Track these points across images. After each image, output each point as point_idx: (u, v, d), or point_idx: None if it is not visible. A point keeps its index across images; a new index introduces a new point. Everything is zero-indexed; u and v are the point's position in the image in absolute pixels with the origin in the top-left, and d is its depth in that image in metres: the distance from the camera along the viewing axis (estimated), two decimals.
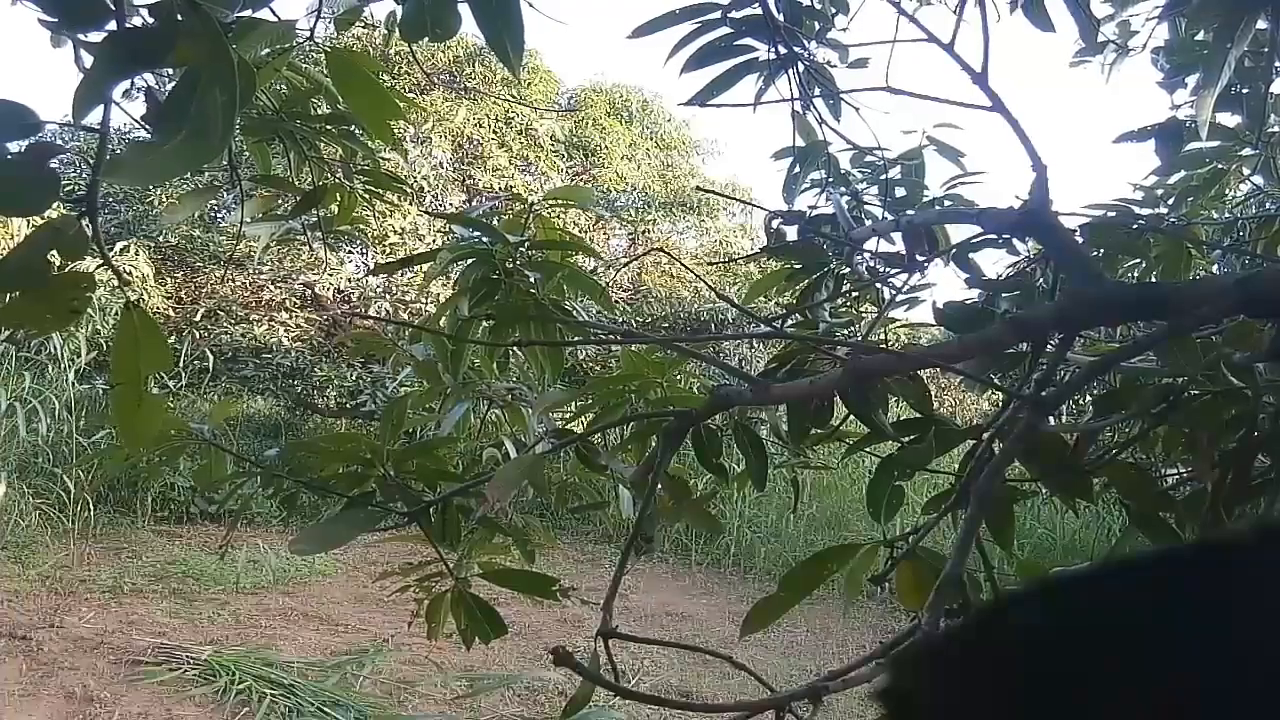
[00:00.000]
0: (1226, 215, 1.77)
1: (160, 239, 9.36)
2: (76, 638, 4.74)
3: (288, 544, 3.02)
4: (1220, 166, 1.67)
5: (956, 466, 1.20)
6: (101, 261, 0.78)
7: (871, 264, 1.62)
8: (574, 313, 1.47)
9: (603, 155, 11.95)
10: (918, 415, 1.18)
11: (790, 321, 1.54)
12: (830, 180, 1.70)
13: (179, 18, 0.69)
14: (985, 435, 1.11)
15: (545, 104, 11.46)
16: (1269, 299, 0.79)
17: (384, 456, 1.22)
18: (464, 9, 1.05)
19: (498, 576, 1.32)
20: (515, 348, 1.53)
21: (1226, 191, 1.75)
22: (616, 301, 9.36)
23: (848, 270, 1.56)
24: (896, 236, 1.53)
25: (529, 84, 11.56)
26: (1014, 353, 1.12)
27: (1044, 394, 0.98)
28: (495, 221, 1.42)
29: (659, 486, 1.23)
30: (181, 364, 8.15)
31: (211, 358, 8.53)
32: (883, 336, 1.63)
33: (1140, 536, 1.12)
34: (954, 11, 1.17)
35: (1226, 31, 1.22)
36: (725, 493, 6.29)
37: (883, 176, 1.72)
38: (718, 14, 1.42)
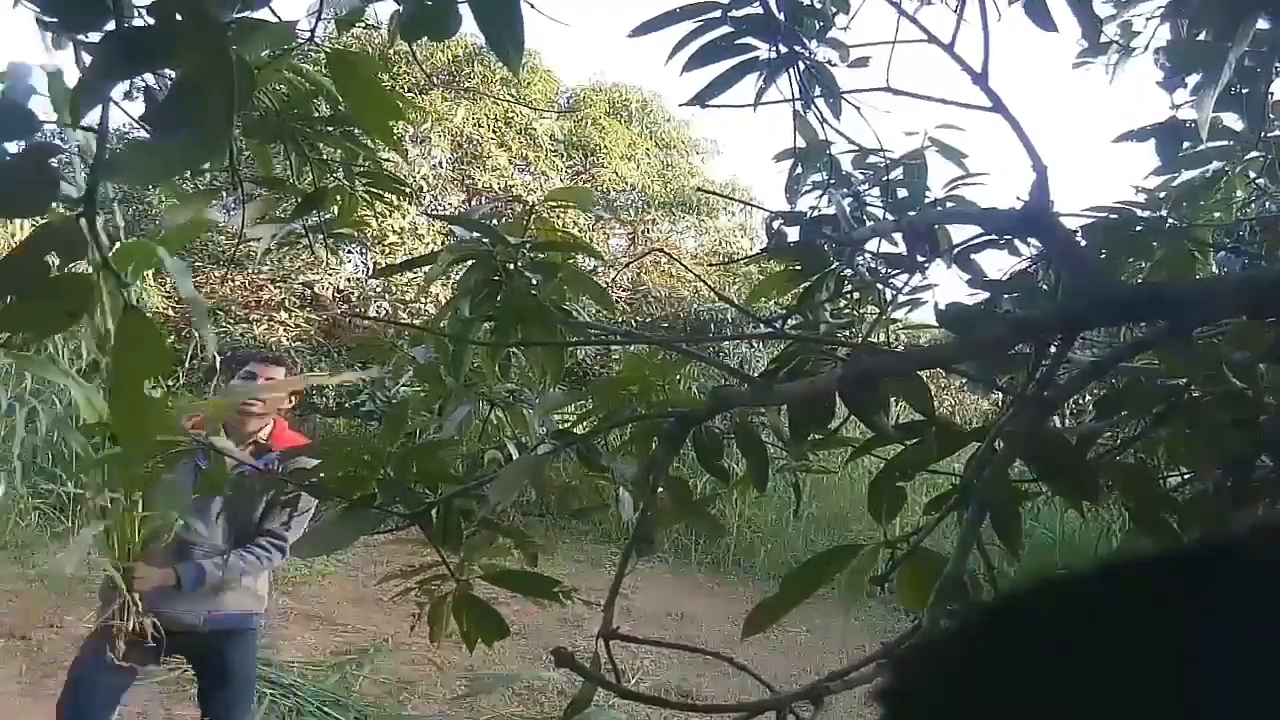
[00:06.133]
0: (1224, 217, 1.77)
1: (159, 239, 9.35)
2: (76, 638, 4.73)
3: (289, 546, 3.01)
4: (1222, 167, 1.67)
5: (958, 467, 1.20)
6: (101, 263, 0.77)
7: (873, 265, 1.62)
8: (574, 314, 1.47)
9: (602, 155, 11.95)
10: (919, 416, 1.18)
11: (791, 322, 1.54)
12: (832, 182, 1.69)
13: (178, 17, 0.69)
14: (987, 436, 1.11)
15: (544, 104, 11.46)
16: (1276, 300, 0.79)
17: (385, 459, 1.22)
18: (464, 8, 1.05)
19: (499, 578, 1.32)
20: (516, 350, 1.52)
21: (1234, 192, 1.75)
22: (616, 301, 9.37)
23: (849, 271, 1.56)
24: (898, 237, 1.53)
25: (528, 83, 11.57)
26: (1015, 353, 1.12)
27: (1045, 394, 0.98)
28: (495, 223, 1.41)
29: (660, 488, 1.23)
30: (184, 364, 8.15)
31: (214, 357, 8.52)
32: (884, 337, 1.63)
33: (1141, 537, 1.12)
34: (954, 10, 1.17)
35: (1227, 31, 1.22)
36: (725, 493, 6.29)
37: (885, 178, 1.72)
38: (718, 13, 1.42)
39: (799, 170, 1.70)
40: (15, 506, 6.34)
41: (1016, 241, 1.41)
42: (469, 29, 1.00)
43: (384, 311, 9.21)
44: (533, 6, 1.11)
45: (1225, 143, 1.62)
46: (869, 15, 1.58)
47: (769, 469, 1.39)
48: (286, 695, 4.20)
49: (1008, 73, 1.25)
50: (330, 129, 1.42)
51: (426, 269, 1.40)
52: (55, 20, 0.81)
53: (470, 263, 1.34)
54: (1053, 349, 1.00)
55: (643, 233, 12.55)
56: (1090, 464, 1.07)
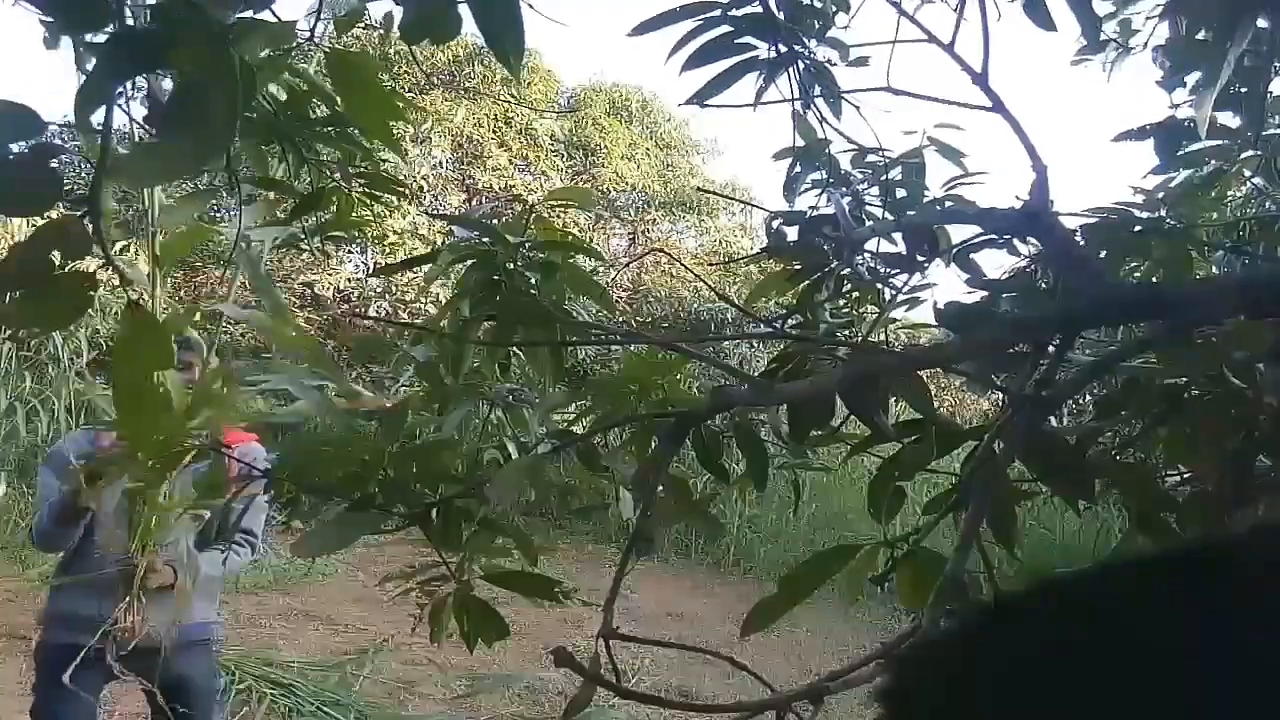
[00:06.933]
0: (1220, 216, 1.77)
1: (160, 239, 9.36)
2: None
3: (289, 546, 3.02)
4: (1220, 165, 1.67)
5: (957, 467, 1.20)
6: (103, 261, 0.78)
7: (872, 264, 1.62)
8: (574, 314, 1.47)
9: (602, 155, 11.95)
10: (919, 416, 1.18)
11: (791, 322, 1.54)
12: (831, 181, 1.69)
13: (179, 19, 0.69)
14: (986, 436, 1.11)
15: (545, 103, 11.46)
16: (1276, 300, 0.79)
17: (385, 459, 1.22)
18: (463, 9, 1.05)
19: (500, 578, 1.32)
20: (516, 350, 1.53)
21: (1228, 192, 1.75)
22: (616, 301, 9.38)
23: (848, 271, 1.56)
24: (897, 237, 1.53)
25: (528, 83, 11.57)
26: (1015, 353, 1.12)
27: (1045, 394, 0.98)
28: (495, 223, 1.41)
29: (660, 487, 1.23)
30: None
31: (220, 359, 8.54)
32: (883, 337, 1.63)
33: (1141, 537, 1.13)
34: (954, 10, 1.17)
35: (1226, 30, 1.22)
36: (725, 493, 6.30)
37: (884, 177, 1.72)
38: (718, 12, 1.42)
39: (798, 169, 1.70)
40: (15, 506, 6.34)
41: (1016, 241, 1.41)
42: (469, 29, 1.00)
43: (384, 312, 9.21)
44: (532, 7, 1.12)
45: (1223, 141, 1.62)
46: (869, 15, 1.58)
47: (769, 468, 1.39)
48: (286, 695, 4.20)
49: (1008, 73, 1.25)
50: (328, 129, 1.42)
51: (426, 269, 1.40)
52: (54, 21, 0.81)
53: (470, 262, 1.34)
54: (1052, 349, 1.01)
55: (643, 233, 12.56)
56: (1090, 464, 1.07)
